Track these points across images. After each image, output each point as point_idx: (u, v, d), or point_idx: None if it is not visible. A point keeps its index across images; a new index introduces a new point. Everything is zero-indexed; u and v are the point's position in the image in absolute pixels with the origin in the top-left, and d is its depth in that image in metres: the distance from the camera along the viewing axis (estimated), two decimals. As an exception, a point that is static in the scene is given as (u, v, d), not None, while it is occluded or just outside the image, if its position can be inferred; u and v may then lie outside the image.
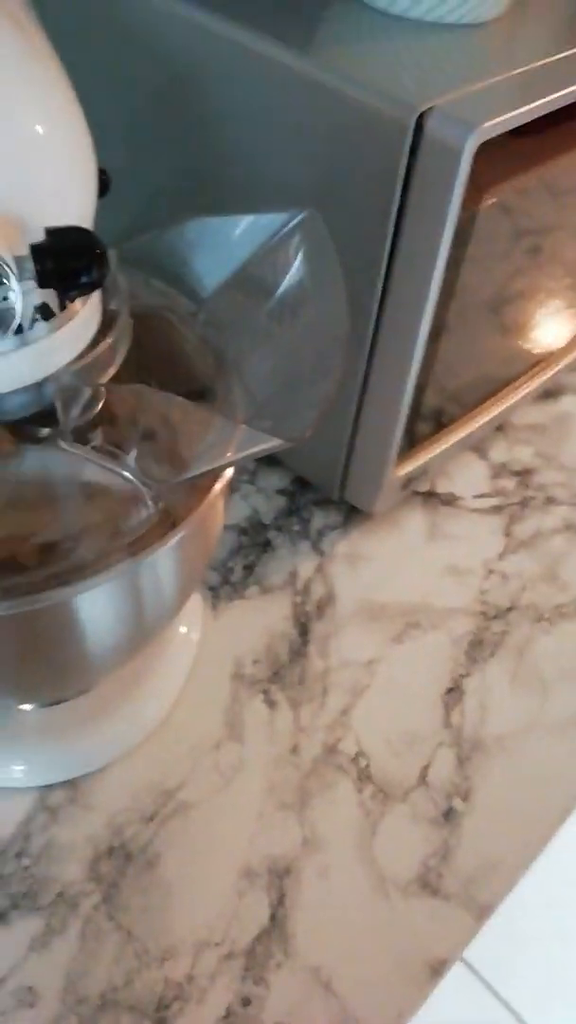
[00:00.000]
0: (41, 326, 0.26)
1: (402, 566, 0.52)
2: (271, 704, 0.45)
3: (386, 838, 0.41)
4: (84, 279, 0.23)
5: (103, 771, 0.42)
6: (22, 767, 0.41)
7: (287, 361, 0.36)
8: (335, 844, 0.40)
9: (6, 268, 0.22)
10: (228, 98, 0.43)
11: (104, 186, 0.32)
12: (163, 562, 0.31)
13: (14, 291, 0.22)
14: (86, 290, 0.24)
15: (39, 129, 0.24)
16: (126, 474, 0.29)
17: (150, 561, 0.30)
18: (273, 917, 0.38)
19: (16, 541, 0.30)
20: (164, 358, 0.36)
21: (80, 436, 0.29)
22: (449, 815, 0.42)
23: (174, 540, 0.30)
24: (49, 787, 0.41)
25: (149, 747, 0.43)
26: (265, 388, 0.32)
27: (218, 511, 0.34)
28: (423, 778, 0.43)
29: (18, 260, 0.23)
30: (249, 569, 0.51)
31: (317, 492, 0.55)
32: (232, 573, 0.51)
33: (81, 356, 0.29)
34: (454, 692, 0.46)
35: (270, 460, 0.56)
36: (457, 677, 0.47)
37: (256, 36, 0.40)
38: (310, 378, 0.33)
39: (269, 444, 0.27)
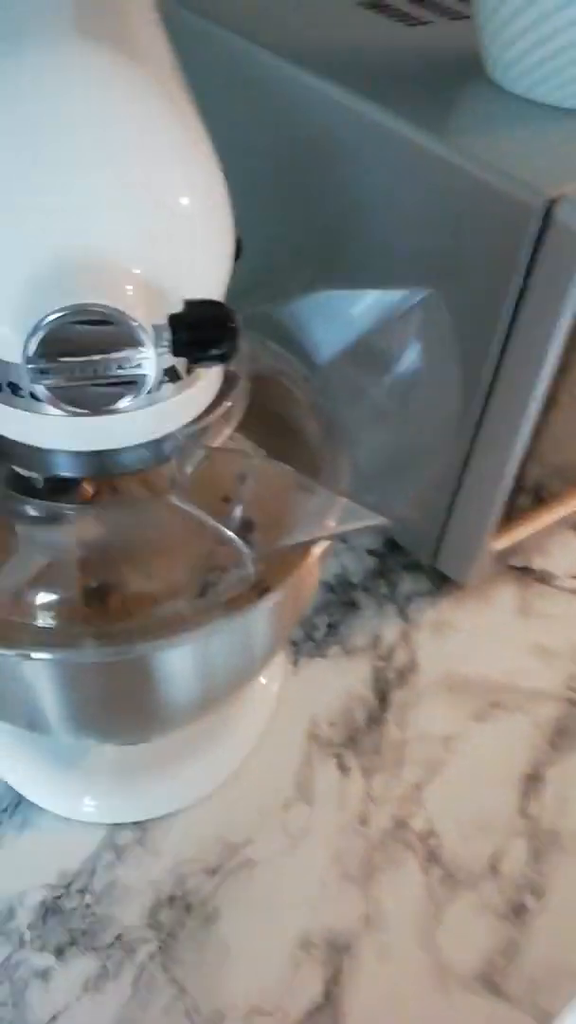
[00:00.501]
0: (167, 387, 0.27)
1: (489, 641, 0.51)
2: (344, 770, 0.44)
3: (451, 926, 0.39)
4: (215, 352, 0.24)
5: (172, 816, 0.42)
6: (94, 803, 0.41)
7: (395, 436, 0.36)
8: (397, 925, 0.39)
9: (144, 336, 0.23)
10: (355, 170, 0.44)
11: (237, 251, 0.34)
12: (256, 622, 0.31)
13: (149, 359, 0.23)
14: (216, 362, 0.25)
15: (185, 201, 0.25)
16: (229, 534, 0.30)
17: (243, 621, 0.30)
18: (327, 994, 0.37)
19: (115, 589, 0.30)
20: (276, 420, 0.37)
21: (189, 493, 0.30)
22: (519, 911, 0.40)
23: (269, 603, 0.30)
24: (118, 826, 0.42)
25: (219, 797, 0.43)
26: (372, 461, 0.33)
27: (313, 576, 0.35)
28: (494, 868, 0.41)
29: (156, 328, 0.24)
30: (333, 628, 0.51)
31: (408, 556, 0.54)
32: (316, 630, 0.51)
33: (201, 416, 0.30)
34: (533, 780, 0.45)
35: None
36: (538, 764, 0.45)
37: (389, 113, 0.41)
38: (417, 456, 0.33)
39: (371, 521, 0.28)
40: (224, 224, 0.26)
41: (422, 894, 0.40)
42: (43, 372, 0.23)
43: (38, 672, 0.29)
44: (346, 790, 0.44)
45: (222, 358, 0.25)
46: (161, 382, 0.27)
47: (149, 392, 0.26)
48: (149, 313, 0.24)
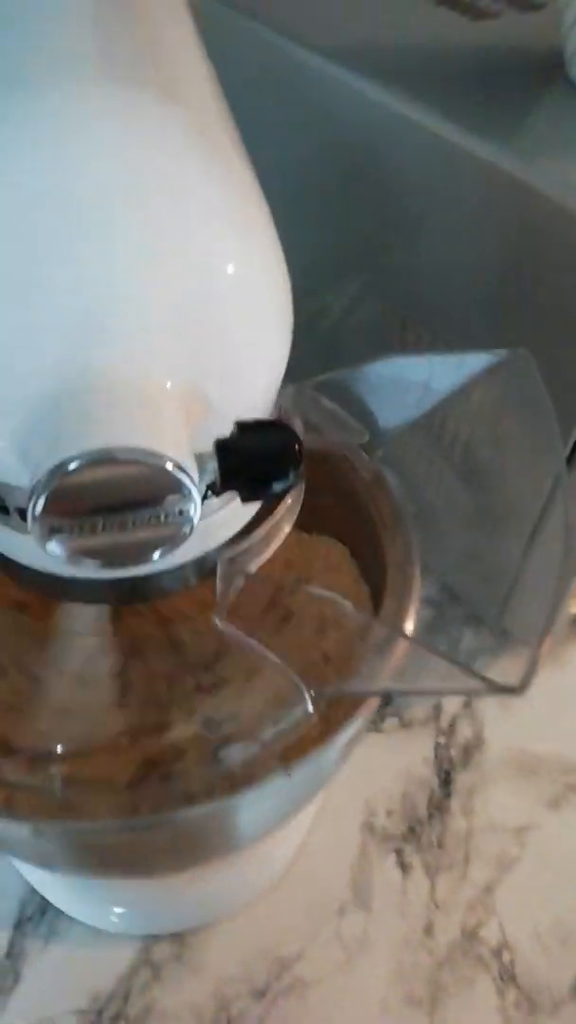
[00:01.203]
0: (209, 503, 0.22)
1: (565, 713, 0.45)
2: (404, 867, 0.40)
3: (531, 1066, 0.35)
4: (275, 487, 0.19)
5: (212, 927, 0.38)
6: (121, 911, 0.37)
7: (473, 522, 0.31)
8: (470, 1063, 0.35)
9: (186, 481, 0.17)
10: (410, 185, 0.38)
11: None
12: (317, 765, 0.26)
13: (194, 502, 0.18)
14: (273, 498, 0.19)
15: (235, 294, 0.19)
16: (284, 666, 0.25)
17: (304, 766, 0.25)
18: None
19: (155, 732, 0.26)
20: (335, 501, 0.32)
21: (235, 616, 0.25)
22: (609, 1048, 0.35)
23: (334, 749, 0.25)
24: (154, 938, 0.37)
25: (265, 903, 0.38)
26: (445, 552, 0.27)
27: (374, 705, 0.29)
28: (579, 991, 0.37)
29: (200, 457, 0.19)
30: (388, 695, 0.46)
31: (470, 607, 0.49)
32: (369, 697, 0.45)
33: (248, 527, 0.24)
34: (619, 880, 0.40)
35: (419, 564, 0.51)
36: (623, 860, 0.40)
37: (450, 123, 0.35)
38: (496, 536, 0.27)
39: (451, 685, 0.22)
40: (283, 313, 0.21)
41: (496, 1021, 0.36)
42: (54, 531, 0.18)
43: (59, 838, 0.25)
44: (408, 892, 0.39)
45: (283, 493, 0.19)
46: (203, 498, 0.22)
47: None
48: (191, 443, 0.18)
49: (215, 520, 0.22)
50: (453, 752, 0.44)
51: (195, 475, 0.18)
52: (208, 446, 0.19)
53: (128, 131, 0.19)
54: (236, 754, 0.25)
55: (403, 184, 0.38)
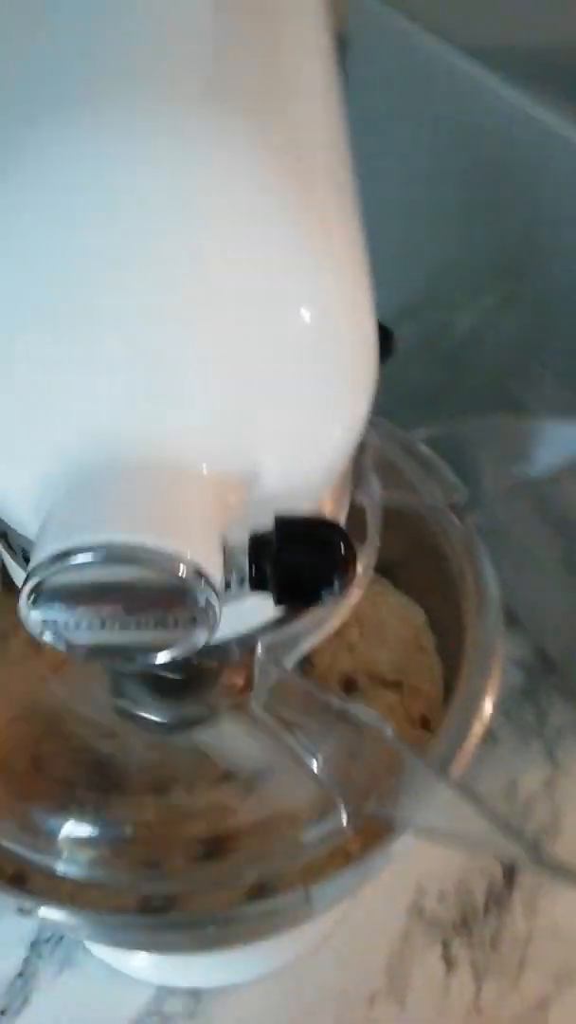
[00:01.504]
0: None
1: None
2: (449, 963, 0.36)
3: None
4: (313, 597, 0.15)
5: (232, 990, 0.35)
6: (146, 958, 0.35)
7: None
8: None
9: (202, 591, 0.14)
10: (557, 201, 0.33)
11: (388, 349, 0.24)
12: (342, 887, 0.23)
13: (209, 609, 0.15)
14: (313, 605, 0.16)
15: (306, 315, 0.16)
16: (321, 770, 0.21)
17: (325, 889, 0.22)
18: None
19: (176, 827, 0.23)
20: (418, 561, 0.28)
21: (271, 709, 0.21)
22: None
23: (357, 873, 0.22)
24: (169, 989, 0.35)
25: (291, 974, 0.35)
26: (542, 616, 0.23)
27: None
28: None
29: (231, 549, 0.15)
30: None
31: (565, 678, 0.44)
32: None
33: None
34: None
35: (509, 618, 0.46)
36: None
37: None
38: None
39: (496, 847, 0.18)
40: (359, 377, 0.17)
41: None
42: (46, 623, 0.15)
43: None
44: (450, 992, 0.35)
45: (321, 600, 0.16)
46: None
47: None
48: (221, 536, 0.15)
49: (250, 602, 0.19)
50: (525, 839, 0.39)
51: (216, 577, 0.15)
52: (245, 536, 0.16)
53: (188, 150, 0.15)
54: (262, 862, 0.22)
55: (549, 203, 0.33)
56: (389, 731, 0.19)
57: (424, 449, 0.30)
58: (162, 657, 0.16)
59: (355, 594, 0.22)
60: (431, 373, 0.43)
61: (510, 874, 0.38)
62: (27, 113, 0.16)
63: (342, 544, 0.15)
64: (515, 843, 0.19)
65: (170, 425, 0.15)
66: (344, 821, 0.21)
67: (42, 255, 0.15)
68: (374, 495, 0.24)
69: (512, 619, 0.46)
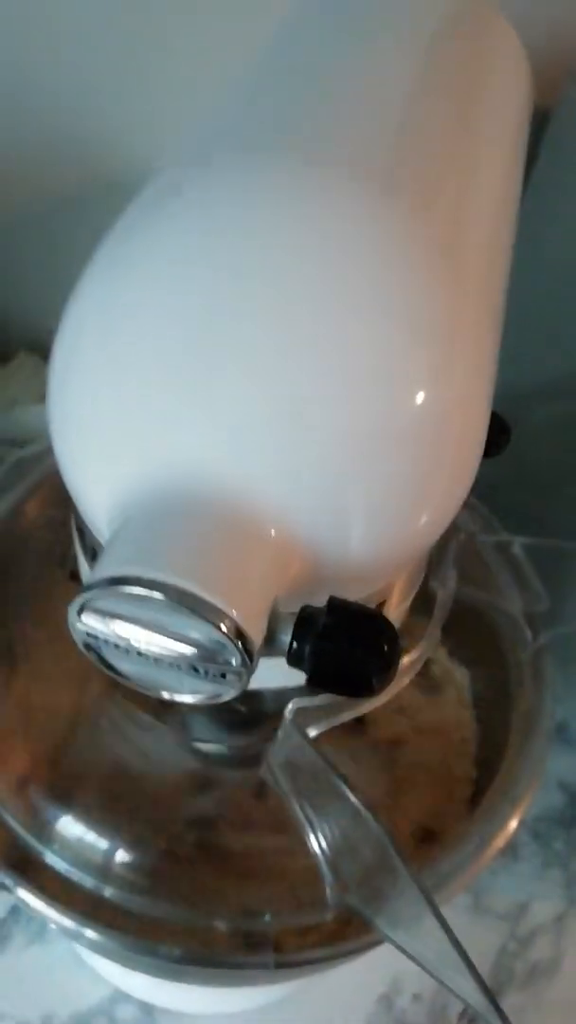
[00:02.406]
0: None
1: None
2: (405, 1068, 0.34)
3: None
4: (350, 690, 0.15)
5: (185, 1018, 0.35)
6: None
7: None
8: None
9: (237, 651, 0.14)
10: None
11: (502, 443, 0.24)
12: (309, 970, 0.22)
13: (242, 671, 0.15)
14: (345, 695, 0.16)
15: (416, 403, 0.16)
16: (318, 849, 0.21)
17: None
18: None
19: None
20: (481, 666, 0.27)
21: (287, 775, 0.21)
22: None
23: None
24: (125, 995, 0.35)
25: (243, 1021, 0.35)
26: None
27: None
28: None
29: (280, 616, 0.15)
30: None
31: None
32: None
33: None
34: None
35: (567, 737, 0.44)
36: None
37: None
38: None
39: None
40: (456, 475, 0.17)
41: None
42: (90, 636, 0.15)
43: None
44: None
45: (355, 694, 0.15)
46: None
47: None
48: (272, 601, 0.15)
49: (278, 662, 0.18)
50: (519, 966, 0.37)
51: (256, 641, 0.15)
52: (296, 608, 0.16)
53: (342, 226, 0.16)
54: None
55: None
56: (379, 830, 0.19)
57: (518, 551, 0.29)
58: (187, 699, 0.16)
59: (402, 679, 0.22)
60: (555, 463, 0.42)
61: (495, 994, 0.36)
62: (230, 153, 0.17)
63: (387, 645, 0.15)
64: (480, 994, 0.18)
65: (255, 480, 0.15)
66: (328, 903, 0.21)
67: (194, 286, 0.16)
68: (448, 586, 0.23)
69: (570, 739, 0.44)
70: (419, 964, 0.19)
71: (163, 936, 0.21)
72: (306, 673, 0.16)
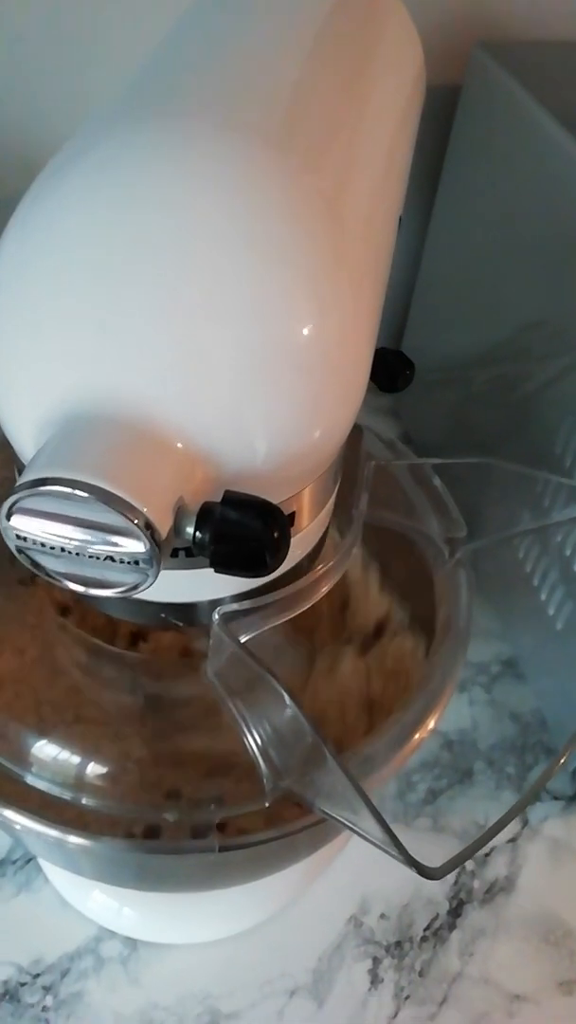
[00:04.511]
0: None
1: (617, 895, 0.40)
2: (375, 980, 0.37)
3: None
4: (248, 567, 0.18)
5: (166, 949, 0.37)
6: (99, 899, 0.37)
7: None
8: None
9: (144, 539, 0.17)
10: None
11: (407, 377, 0.26)
12: (255, 852, 0.25)
13: (150, 558, 0.17)
14: (242, 576, 0.18)
15: (305, 331, 0.18)
16: (253, 745, 0.23)
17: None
18: None
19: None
20: (408, 580, 0.29)
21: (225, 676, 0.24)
22: None
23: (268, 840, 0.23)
24: (110, 933, 0.37)
25: (221, 949, 0.37)
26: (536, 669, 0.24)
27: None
28: None
29: (185, 514, 0.18)
30: (432, 795, 0.42)
31: (554, 739, 0.44)
32: (411, 789, 0.43)
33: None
34: None
35: (517, 672, 0.46)
36: None
37: None
38: None
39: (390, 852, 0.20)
40: (343, 396, 0.20)
41: None
42: (20, 538, 0.18)
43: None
44: (368, 1006, 0.36)
45: (253, 572, 0.18)
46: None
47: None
48: (177, 500, 0.18)
49: (209, 572, 0.21)
50: (476, 884, 0.40)
51: (162, 531, 0.17)
52: (198, 506, 0.18)
53: (235, 175, 0.18)
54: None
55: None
56: (300, 717, 0.21)
57: (437, 483, 0.32)
58: (110, 593, 0.19)
59: (322, 586, 0.24)
60: (494, 421, 0.44)
61: (456, 914, 0.39)
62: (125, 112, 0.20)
63: (276, 524, 0.17)
64: (397, 852, 0.21)
65: (159, 401, 0.18)
66: (266, 790, 0.23)
67: (100, 228, 0.18)
68: (360, 507, 0.26)
69: (520, 674, 0.46)
70: (348, 828, 0.21)
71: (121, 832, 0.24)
72: (208, 558, 0.18)
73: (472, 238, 0.47)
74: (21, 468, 0.22)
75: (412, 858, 0.21)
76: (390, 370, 0.26)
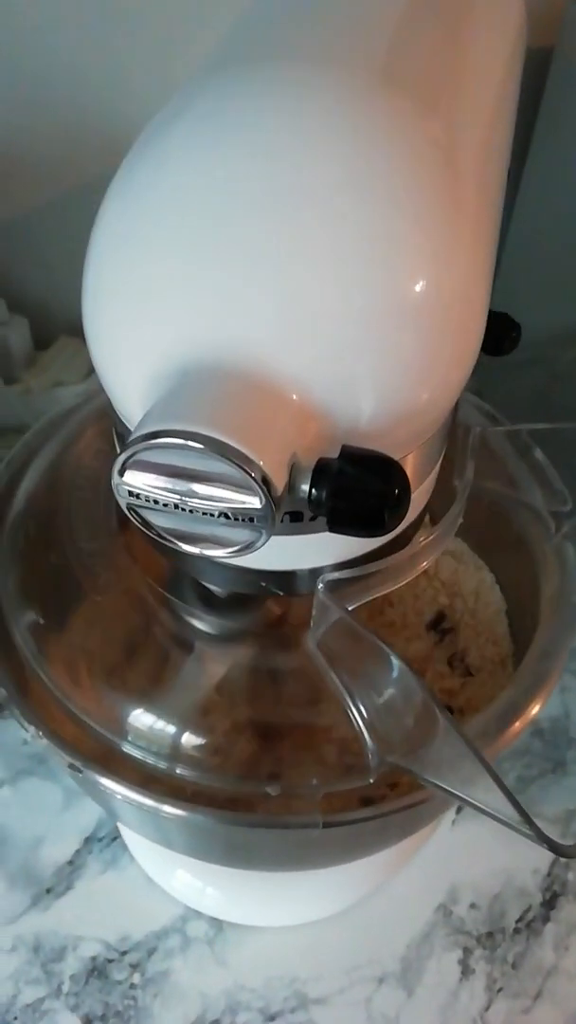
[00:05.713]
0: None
1: None
2: (466, 971, 0.36)
3: None
4: (366, 526, 0.17)
5: (253, 931, 0.37)
6: (184, 879, 0.37)
7: None
8: None
9: (261, 494, 0.16)
10: None
11: (513, 340, 0.25)
12: (362, 828, 0.24)
13: (266, 514, 0.17)
14: (360, 535, 0.17)
15: (420, 287, 0.17)
16: (358, 717, 0.22)
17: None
18: None
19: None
20: (509, 559, 0.28)
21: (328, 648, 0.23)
22: None
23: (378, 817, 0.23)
24: (197, 913, 0.37)
25: (309, 933, 0.37)
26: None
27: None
28: None
29: (297, 471, 0.17)
30: (523, 782, 0.41)
31: None
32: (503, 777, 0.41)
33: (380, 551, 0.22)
34: None
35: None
36: None
37: None
38: None
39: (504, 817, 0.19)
40: (456, 357, 0.19)
41: None
42: (132, 495, 0.17)
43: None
44: (459, 997, 0.35)
45: (370, 534, 0.17)
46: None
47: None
48: (293, 457, 0.17)
49: (314, 539, 0.20)
50: (571, 876, 0.38)
51: (279, 487, 0.16)
52: (313, 462, 0.17)
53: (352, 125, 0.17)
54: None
55: None
56: (421, 690, 0.20)
57: (539, 454, 0.30)
58: (222, 552, 0.18)
59: (428, 556, 0.23)
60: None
61: (550, 906, 0.37)
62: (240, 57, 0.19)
63: (396, 480, 0.16)
64: (529, 828, 0.20)
65: (277, 353, 0.17)
66: (371, 766, 0.22)
67: (214, 178, 0.17)
68: (466, 477, 0.25)
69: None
70: (464, 802, 0.21)
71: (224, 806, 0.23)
72: (325, 517, 0.17)
73: (562, 211, 0.45)
74: (123, 435, 0.21)
75: (543, 833, 0.20)
76: (494, 332, 0.24)
